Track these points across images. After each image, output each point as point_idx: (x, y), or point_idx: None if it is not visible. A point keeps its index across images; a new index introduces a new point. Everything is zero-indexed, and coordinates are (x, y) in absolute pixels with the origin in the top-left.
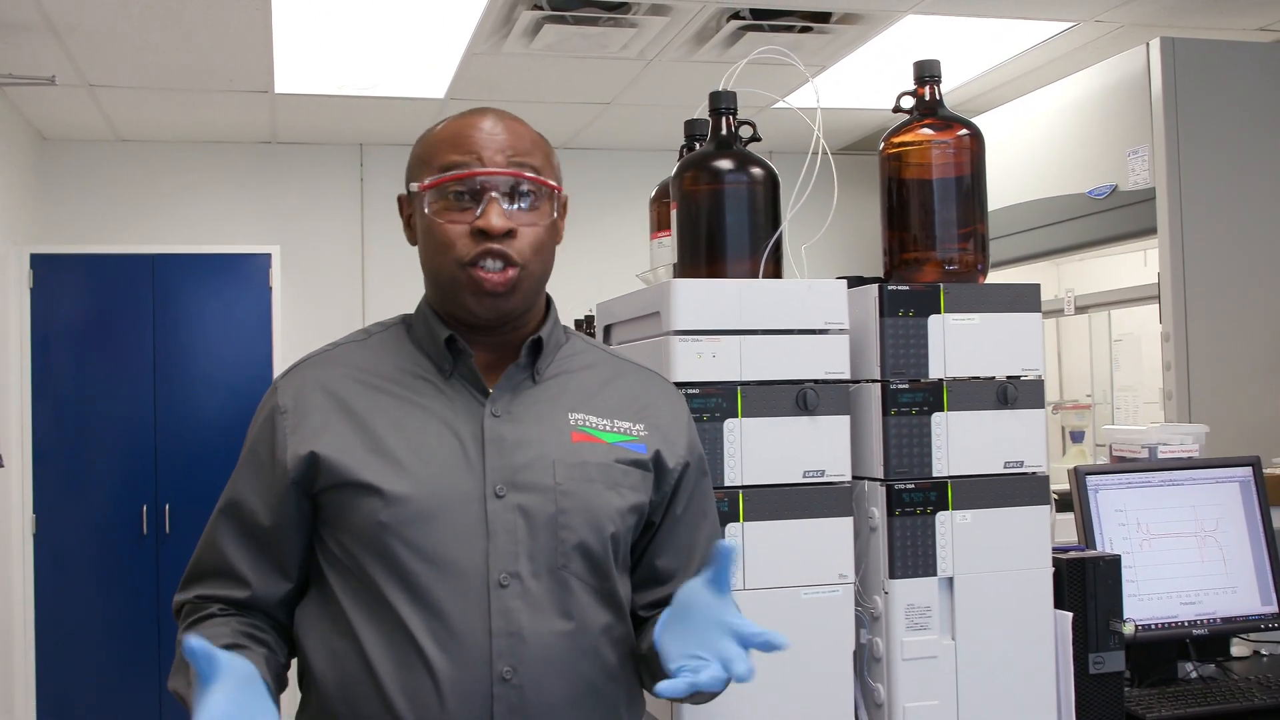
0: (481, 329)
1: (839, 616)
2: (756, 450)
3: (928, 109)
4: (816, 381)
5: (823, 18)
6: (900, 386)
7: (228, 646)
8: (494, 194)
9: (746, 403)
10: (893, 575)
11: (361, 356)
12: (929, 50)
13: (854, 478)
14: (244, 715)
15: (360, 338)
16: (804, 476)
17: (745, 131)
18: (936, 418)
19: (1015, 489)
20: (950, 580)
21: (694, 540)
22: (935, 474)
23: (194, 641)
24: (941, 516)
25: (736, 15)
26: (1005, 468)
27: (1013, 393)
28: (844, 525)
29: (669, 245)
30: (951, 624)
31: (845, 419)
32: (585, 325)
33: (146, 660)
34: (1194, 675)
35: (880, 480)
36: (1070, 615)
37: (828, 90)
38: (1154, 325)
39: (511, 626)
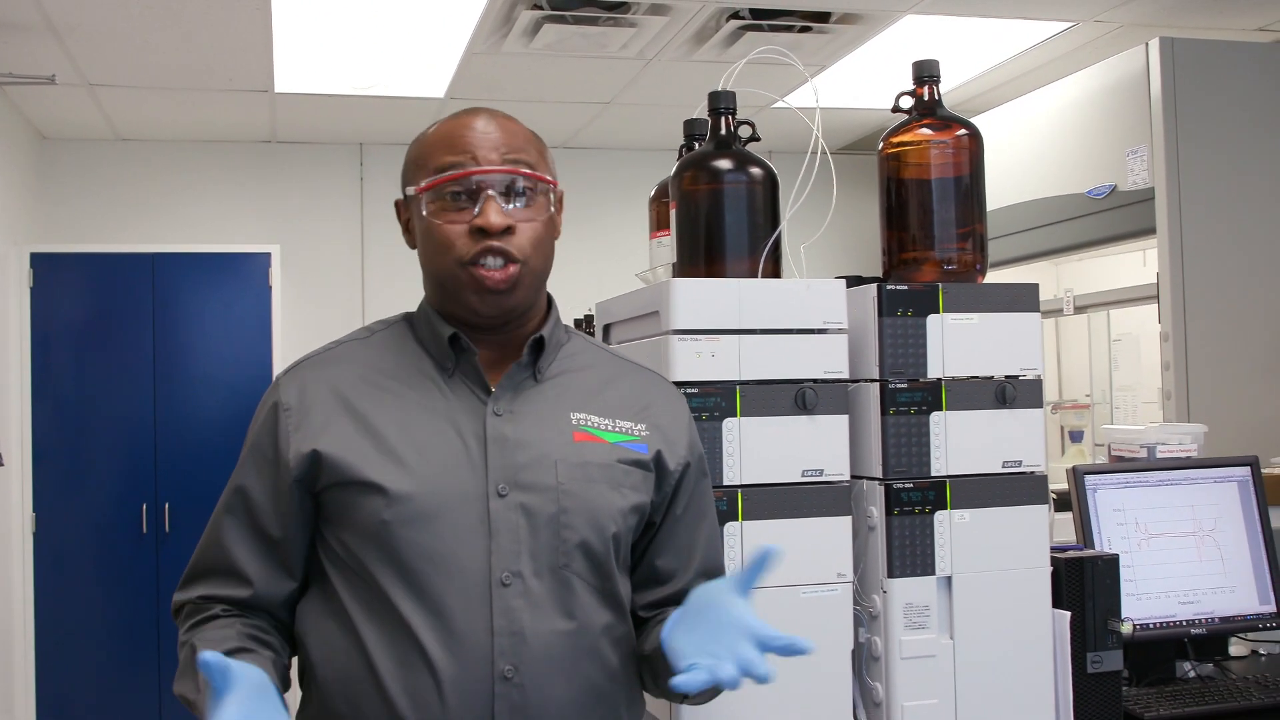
0: (483, 328)
1: (837, 615)
2: (755, 449)
3: (926, 109)
4: (815, 381)
5: (822, 17)
6: (899, 386)
7: (234, 650)
8: (490, 192)
9: (745, 402)
10: (891, 574)
11: (364, 355)
12: (928, 50)
13: (853, 477)
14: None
15: (363, 336)
16: (803, 476)
17: (744, 131)
18: (935, 417)
19: (1013, 488)
20: (949, 579)
21: (693, 540)
22: (934, 473)
23: (208, 655)
24: (940, 516)
25: (736, 15)
26: (1004, 467)
27: (1011, 392)
28: (842, 524)
29: (668, 245)
30: (950, 623)
31: (844, 418)
32: (585, 325)
33: (146, 659)
34: (1192, 675)
35: (879, 479)
36: (1068, 614)
37: (827, 90)
38: (1153, 325)
39: (513, 625)
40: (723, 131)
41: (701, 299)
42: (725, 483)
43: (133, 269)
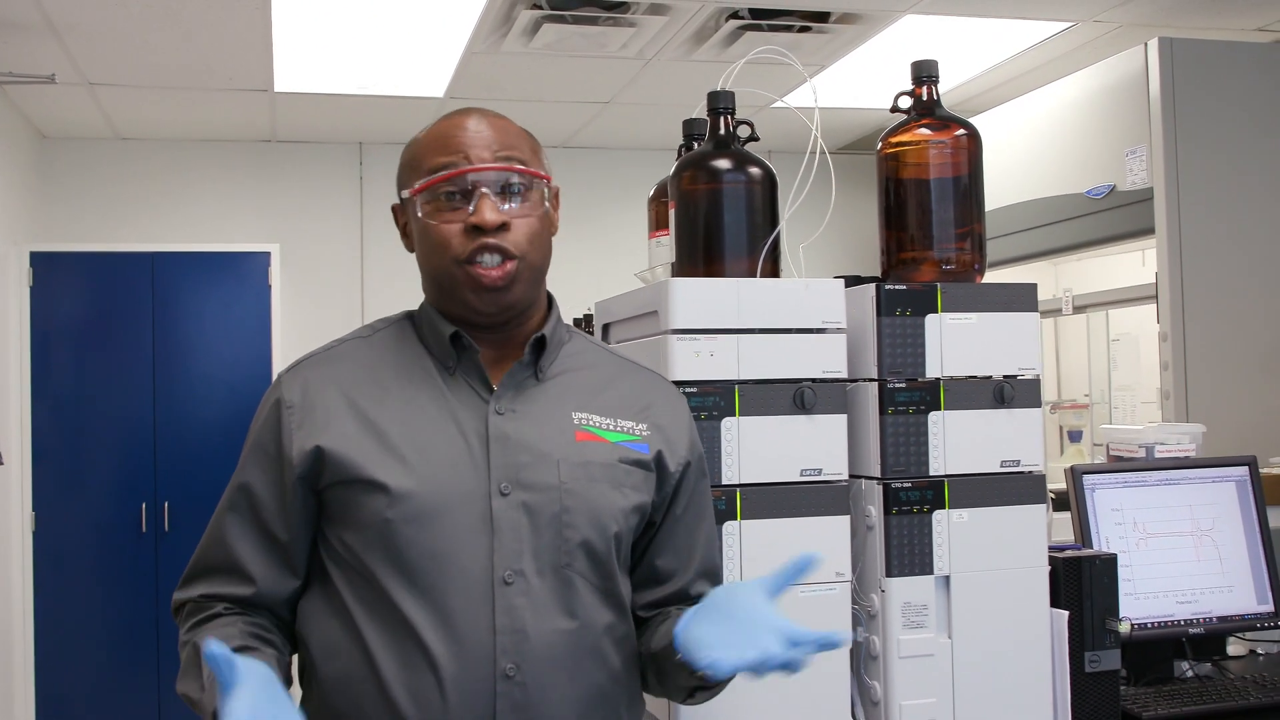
0: (484, 326)
1: (836, 615)
2: (754, 449)
3: (925, 109)
4: (814, 380)
5: (821, 17)
6: (897, 385)
7: (237, 649)
8: (484, 189)
9: (744, 401)
10: (889, 573)
11: (366, 353)
12: (927, 50)
13: (851, 476)
14: (273, 709)
15: (365, 334)
16: (801, 475)
17: (743, 131)
18: (933, 417)
19: (1012, 488)
20: (947, 579)
21: (693, 540)
22: (932, 473)
23: (215, 647)
24: (938, 515)
25: (735, 15)
26: (1002, 467)
27: (1009, 392)
28: (841, 524)
29: (667, 244)
30: (948, 622)
31: (842, 418)
32: (585, 324)
33: (146, 658)
34: (1190, 674)
35: (877, 479)
36: (1066, 614)
37: (826, 90)
38: (1152, 325)
39: (515, 624)
40: (722, 131)
41: (700, 298)
42: (724, 482)
43: (132, 268)
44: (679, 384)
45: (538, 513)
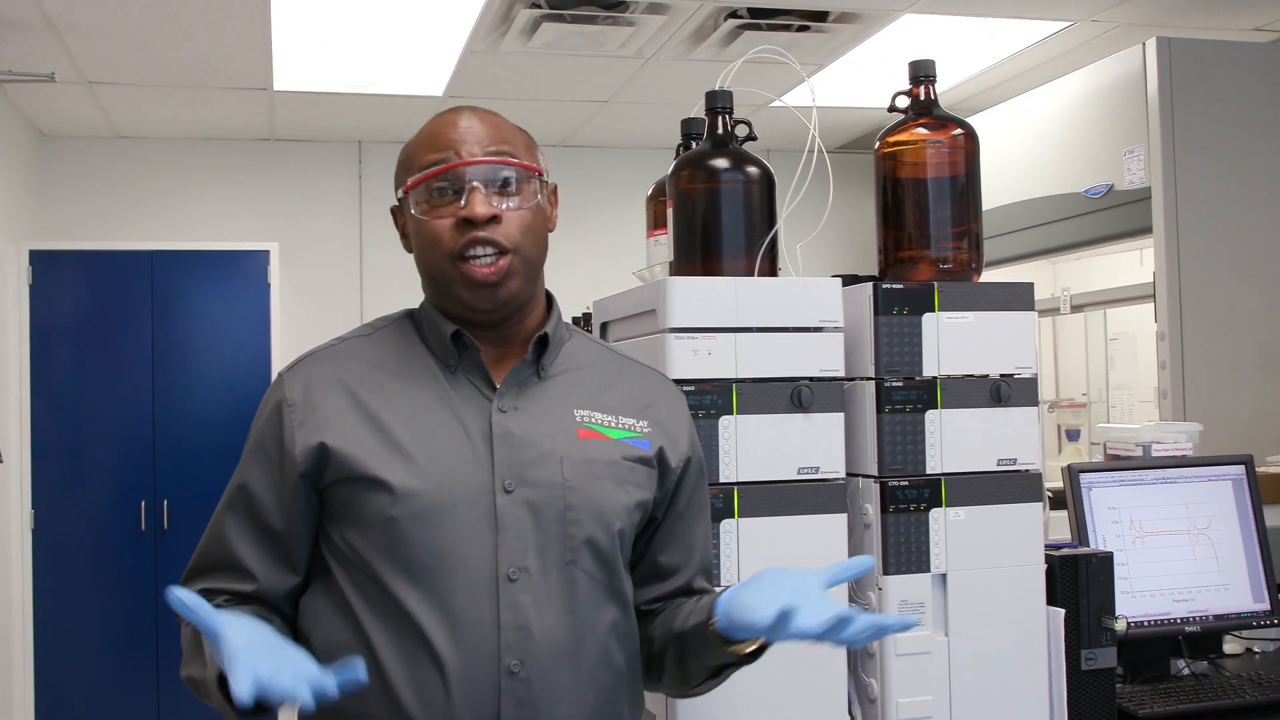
0: (483, 324)
1: None
2: (751, 447)
3: (923, 108)
4: (811, 379)
5: (820, 16)
6: (894, 384)
7: None
8: (475, 183)
9: (742, 400)
10: (886, 571)
11: (368, 351)
12: (926, 49)
13: (848, 475)
14: (272, 642)
15: (366, 332)
16: (799, 473)
17: (741, 130)
18: (930, 415)
19: (1008, 486)
20: (943, 577)
21: (695, 537)
22: (929, 471)
23: (182, 593)
24: (935, 513)
25: (734, 14)
26: (998, 465)
27: (1006, 391)
28: (838, 522)
29: (665, 243)
30: (945, 620)
31: (840, 416)
32: (583, 323)
33: (145, 656)
34: (1186, 672)
35: (874, 477)
36: (1062, 612)
37: (824, 89)
38: (1149, 324)
39: (520, 620)
40: (720, 130)
41: (698, 297)
42: (721, 480)
43: (132, 266)
44: (676, 382)
45: (542, 510)
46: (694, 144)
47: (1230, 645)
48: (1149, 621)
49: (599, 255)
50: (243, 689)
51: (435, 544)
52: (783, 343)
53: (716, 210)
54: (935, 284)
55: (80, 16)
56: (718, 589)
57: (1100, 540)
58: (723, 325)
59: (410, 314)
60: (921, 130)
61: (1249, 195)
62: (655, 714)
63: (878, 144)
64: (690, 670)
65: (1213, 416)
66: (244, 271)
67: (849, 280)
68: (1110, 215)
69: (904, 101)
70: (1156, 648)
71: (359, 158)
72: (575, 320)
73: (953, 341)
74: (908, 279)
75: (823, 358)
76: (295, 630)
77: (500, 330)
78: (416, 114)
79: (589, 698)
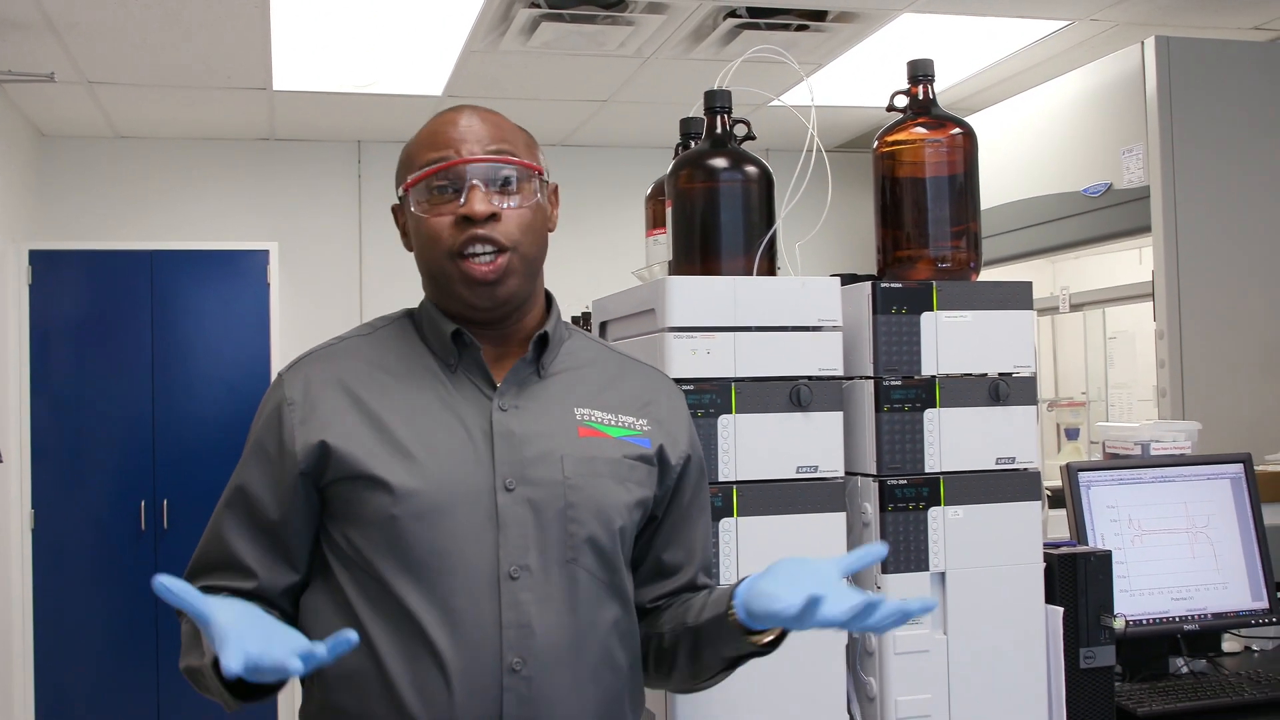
0: (483, 323)
1: None
2: (750, 446)
3: (921, 108)
4: (810, 378)
5: (819, 16)
6: (893, 383)
7: None
8: (475, 181)
9: (741, 399)
10: (885, 570)
11: (368, 350)
12: (924, 49)
13: (847, 473)
14: (261, 620)
15: (365, 332)
16: (797, 472)
17: (740, 130)
18: (929, 414)
19: (1007, 485)
20: (942, 575)
21: (697, 534)
22: (927, 470)
23: (165, 578)
24: (934, 512)
25: (733, 13)
26: (997, 464)
27: (1004, 389)
28: (837, 520)
29: (664, 242)
30: (943, 619)
31: (838, 415)
32: (583, 322)
33: (145, 656)
34: (1185, 670)
35: (873, 476)
36: (1061, 610)
37: (823, 88)
38: (1148, 323)
39: (521, 619)
40: (718, 130)
41: (697, 296)
42: (720, 479)
43: (131, 266)
44: (676, 381)
45: (543, 508)
46: (693, 143)
47: (1229, 643)
48: (1147, 620)
49: (598, 255)
50: (233, 662)
51: (436, 543)
52: (781, 342)
53: (715, 209)
54: (934, 283)
55: (80, 16)
56: (719, 585)
57: (1099, 539)
58: (722, 324)
59: (410, 313)
60: (920, 129)
61: (1248, 194)
62: (654, 713)
63: (876, 143)
64: (704, 663)
65: (1211, 415)
66: (243, 271)
67: (848, 279)
68: (1109, 214)
69: (902, 101)
70: (1155, 646)
71: (358, 157)
72: (574, 319)
73: (951, 340)
74: (906, 278)
75: (821, 357)
76: (295, 627)
77: (500, 329)
78: (416, 114)
79: (591, 695)
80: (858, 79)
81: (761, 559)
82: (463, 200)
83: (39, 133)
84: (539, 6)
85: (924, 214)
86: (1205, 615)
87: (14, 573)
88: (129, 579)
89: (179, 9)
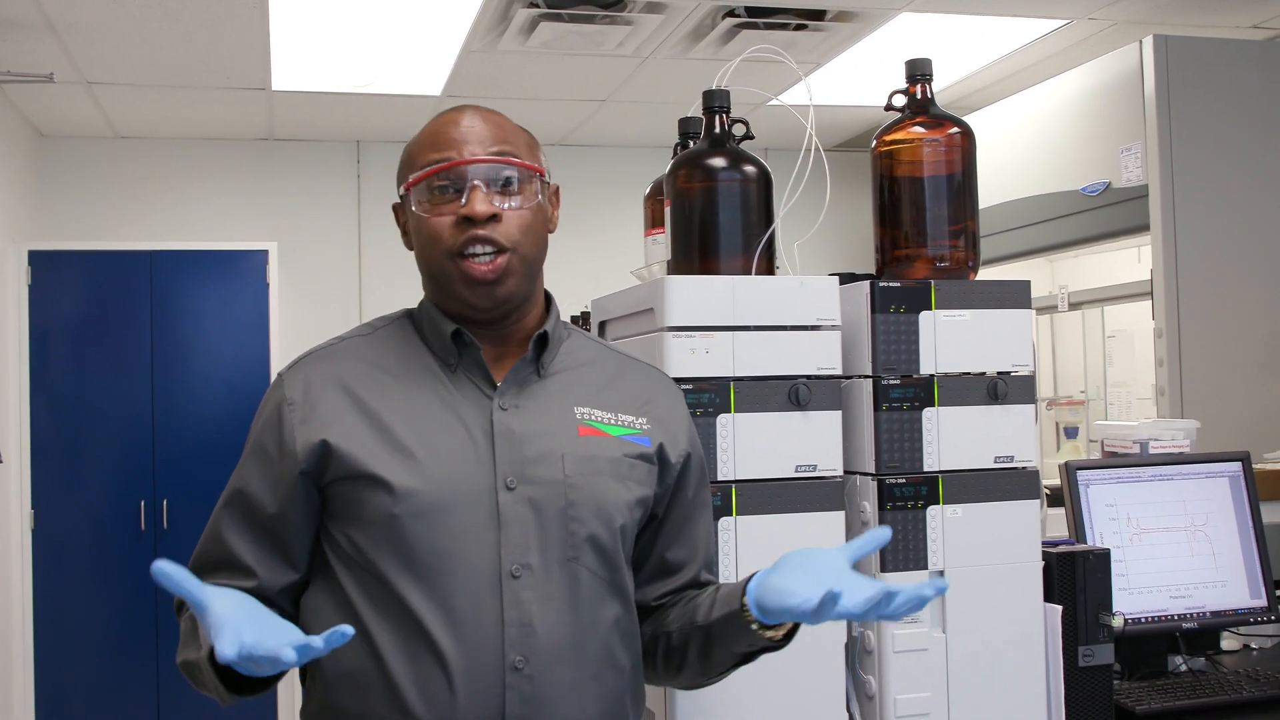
0: (482, 323)
1: None
2: (749, 445)
3: (919, 107)
4: (809, 377)
5: (817, 15)
6: (891, 382)
7: None
8: (476, 182)
9: (739, 398)
10: (884, 569)
11: (368, 350)
12: (923, 48)
13: (846, 472)
14: (258, 611)
15: (365, 332)
16: (796, 471)
17: (739, 129)
18: (927, 413)
19: (1005, 483)
20: (941, 574)
21: (700, 532)
22: (926, 469)
23: (164, 563)
24: (932, 511)
25: (731, 13)
26: (995, 462)
27: (1003, 388)
28: (836, 519)
29: (663, 242)
30: (942, 617)
31: (837, 414)
32: (582, 321)
33: (144, 655)
34: (1183, 668)
35: (872, 475)
36: (1060, 608)
37: (821, 88)
38: (1147, 321)
39: (523, 617)
40: (717, 129)
41: (696, 296)
42: (719, 478)
43: (131, 266)
44: (675, 381)
45: (543, 507)
46: (691, 143)
47: (1227, 641)
48: (1146, 618)
49: (597, 254)
50: (228, 648)
51: (438, 542)
52: (780, 341)
53: (714, 209)
54: (932, 282)
55: (79, 16)
56: (722, 582)
57: (1098, 537)
58: (720, 324)
59: (409, 314)
60: (918, 129)
61: (1246, 192)
62: (654, 712)
63: (875, 143)
64: (715, 660)
65: (1210, 413)
66: (243, 271)
67: (846, 278)
68: (1107, 213)
69: (901, 100)
70: (1154, 644)
71: (357, 157)
72: (573, 319)
73: (950, 339)
74: (905, 277)
75: (820, 356)
76: (295, 625)
77: (499, 329)
78: (415, 113)
79: (592, 694)
80: (856, 78)
81: (760, 558)
82: (464, 201)
83: (38, 133)
84: (537, 6)
85: (922, 213)
86: (1204, 613)
87: (14, 573)
88: (129, 579)
89: (178, 9)
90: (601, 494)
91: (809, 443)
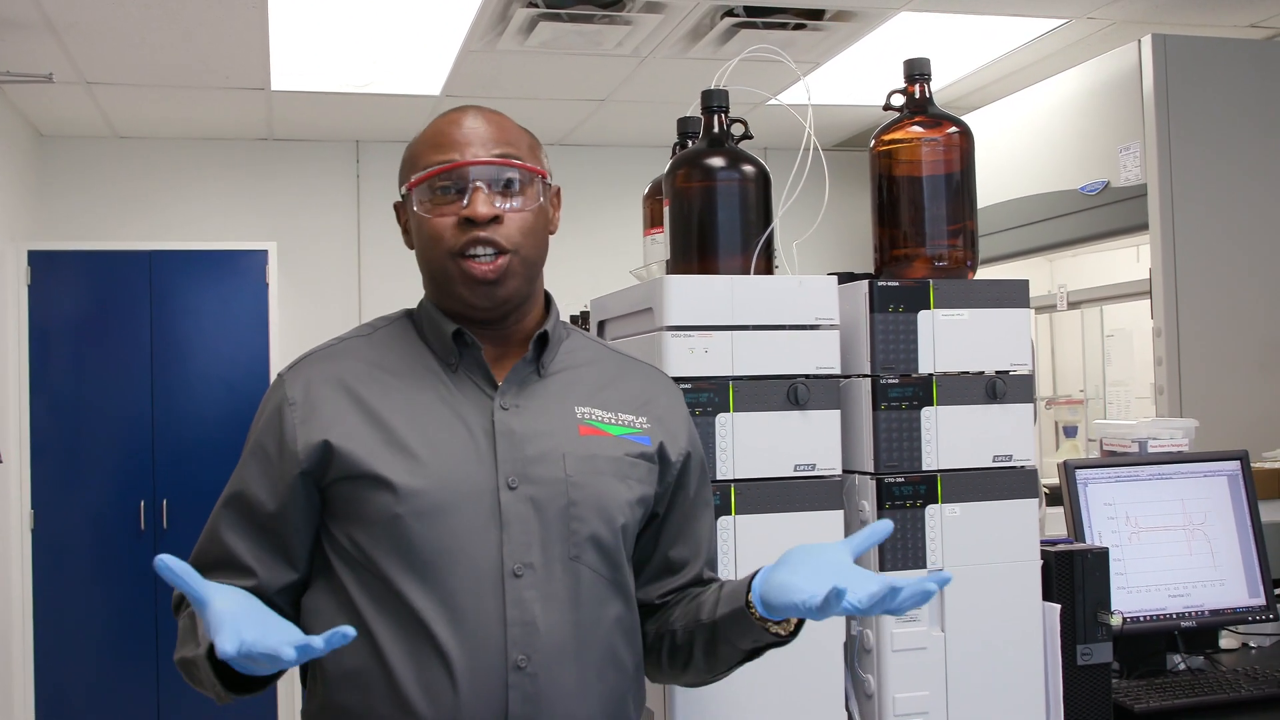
0: (482, 323)
1: None
2: (748, 444)
3: (918, 107)
4: (807, 376)
5: (816, 15)
6: (890, 381)
7: None
8: (478, 183)
9: (738, 397)
10: (883, 568)
11: (368, 350)
12: (921, 47)
13: (844, 471)
14: (259, 610)
15: (365, 332)
16: (795, 470)
17: (737, 129)
18: (926, 412)
19: (1004, 482)
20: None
21: (701, 530)
22: (925, 468)
23: (167, 558)
24: (931, 510)
25: (730, 12)
26: (994, 461)
27: (1001, 387)
28: (835, 519)
29: (662, 242)
30: (941, 616)
31: (836, 413)
32: (581, 321)
33: (144, 655)
34: (1182, 667)
35: (870, 474)
36: (1058, 607)
37: (820, 87)
38: (1146, 320)
39: (525, 616)
40: (716, 129)
41: (694, 295)
42: (718, 477)
43: (130, 266)
44: (674, 380)
45: (545, 506)
46: (690, 143)
47: (1226, 640)
48: (1145, 617)
49: (596, 254)
50: (228, 644)
51: (440, 541)
52: (779, 340)
53: (713, 208)
54: (930, 281)
55: (79, 16)
56: (724, 579)
57: (1096, 536)
58: (719, 323)
59: (409, 314)
60: (917, 128)
61: (1245, 191)
62: (654, 711)
63: (873, 142)
64: (721, 656)
65: (1209, 412)
66: (242, 271)
67: (845, 278)
68: (1106, 212)
69: (899, 100)
70: (1152, 643)
71: (357, 157)
72: (573, 318)
73: (948, 338)
74: (903, 276)
75: (819, 355)
76: (296, 625)
77: (499, 329)
78: (414, 113)
79: (595, 692)
80: (855, 78)
81: (760, 557)
82: (465, 202)
83: (38, 133)
84: (537, 6)
85: (921, 212)
86: (1202, 612)
87: (14, 573)
88: (129, 579)
89: (178, 9)
90: (603, 493)
91: (808, 442)
